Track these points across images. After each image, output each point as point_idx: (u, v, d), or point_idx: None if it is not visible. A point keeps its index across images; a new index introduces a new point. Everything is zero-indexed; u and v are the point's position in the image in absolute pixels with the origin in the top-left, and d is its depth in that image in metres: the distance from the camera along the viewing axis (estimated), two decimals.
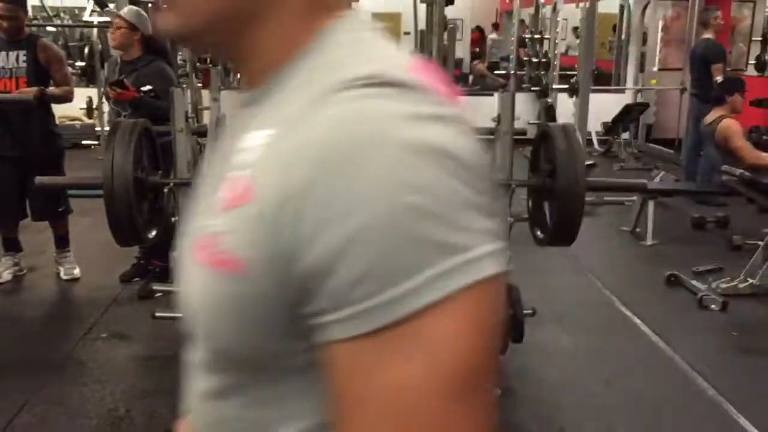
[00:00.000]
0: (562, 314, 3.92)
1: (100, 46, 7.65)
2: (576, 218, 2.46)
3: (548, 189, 2.52)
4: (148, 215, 2.56)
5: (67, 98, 4.12)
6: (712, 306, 3.99)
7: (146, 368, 3.19)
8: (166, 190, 2.65)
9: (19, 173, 4.03)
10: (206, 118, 7.15)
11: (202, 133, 3.72)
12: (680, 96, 8.71)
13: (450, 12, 9.73)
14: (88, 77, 7.69)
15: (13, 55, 3.97)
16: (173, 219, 2.74)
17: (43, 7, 9.90)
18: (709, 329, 3.77)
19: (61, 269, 4.33)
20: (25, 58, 3.97)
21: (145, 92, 3.84)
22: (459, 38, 13.14)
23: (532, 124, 8.27)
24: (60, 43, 8.61)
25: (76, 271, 4.33)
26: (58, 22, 10.13)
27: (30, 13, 10.00)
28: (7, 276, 4.24)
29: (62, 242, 4.35)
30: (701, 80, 6.55)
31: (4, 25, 3.95)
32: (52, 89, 4.03)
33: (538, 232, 2.69)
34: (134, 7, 4.28)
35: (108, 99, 3.96)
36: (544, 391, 3.04)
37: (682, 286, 4.33)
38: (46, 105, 4.10)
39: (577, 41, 8.60)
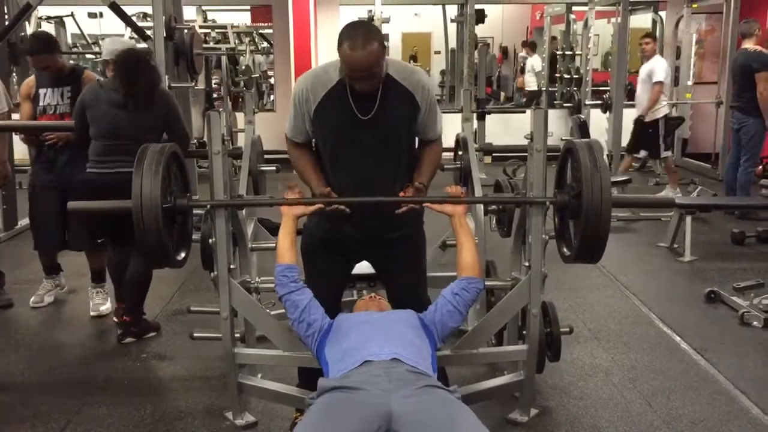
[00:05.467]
0: (599, 332, 3.88)
1: None
2: (601, 235, 2.44)
3: (573, 206, 2.51)
4: (177, 238, 2.60)
5: None
6: (754, 323, 3.92)
7: (185, 388, 3.21)
8: (203, 212, 2.68)
9: (61, 204, 4.04)
10: (240, 140, 7.25)
11: (237, 155, 3.77)
12: (716, 110, 8.61)
13: (480, 31, 9.77)
14: None
15: (57, 91, 3.99)
16: (210, 241, 2.76)
17: (82, 35, 10.22)
18: (752, 346, 3.68)
19: (91, 303, 4.20)
20: (69, 94, 3.97)
21: None
22: None
23: (565, 140, 8.23)
24: (99, 70, 8.83)
25: (104, 308, 4.17)
26: (97, 49, 10.41)
27: (69, 41, 10.36)
28: (48, 299, 4.32)
29: (98, 277, 4.21)
30: (743, 92, 6.32)
31: (44, 71, 3.98)
32: None
33: (565, 249, 2.67)
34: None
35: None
36: (583, 410, 3.00)
37: (722, 302, 4.25)
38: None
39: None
